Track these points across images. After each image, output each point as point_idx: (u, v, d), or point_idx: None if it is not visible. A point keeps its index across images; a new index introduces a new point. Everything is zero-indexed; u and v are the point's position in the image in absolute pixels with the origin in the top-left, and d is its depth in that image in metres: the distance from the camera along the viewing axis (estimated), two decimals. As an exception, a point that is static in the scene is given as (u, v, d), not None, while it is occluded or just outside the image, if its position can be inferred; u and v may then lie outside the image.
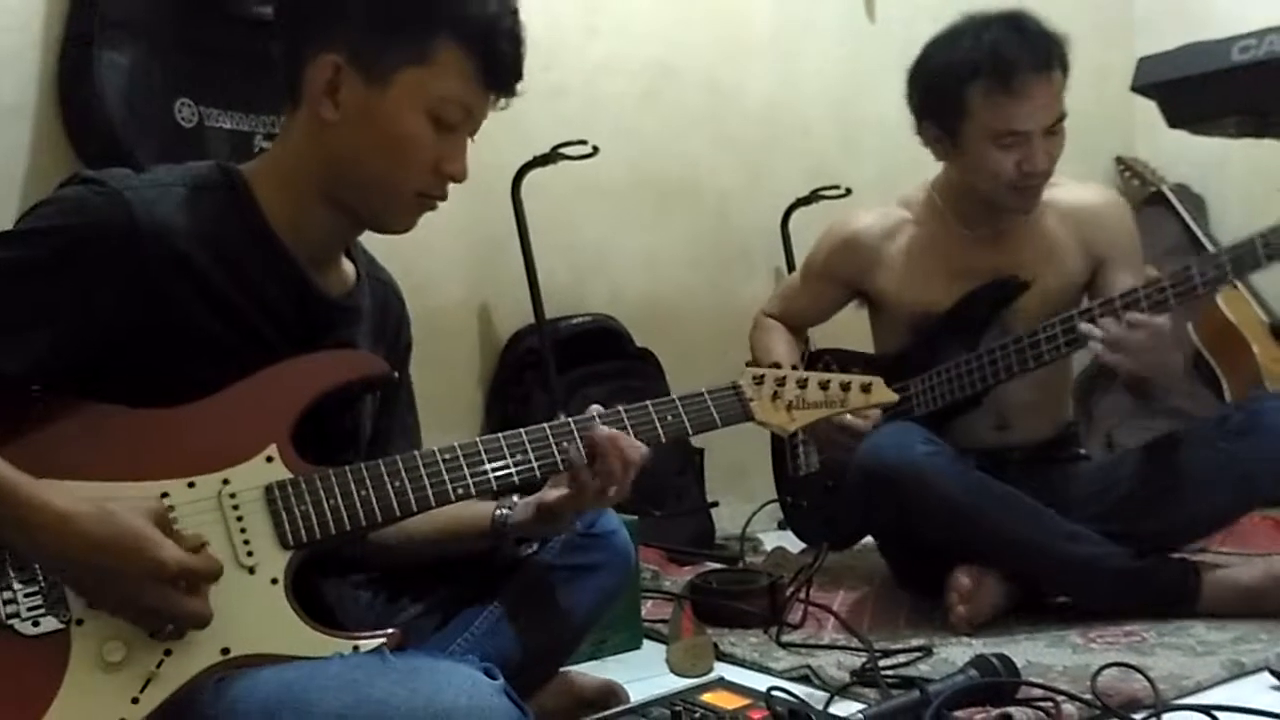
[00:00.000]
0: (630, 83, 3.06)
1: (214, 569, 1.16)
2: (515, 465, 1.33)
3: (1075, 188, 2.29)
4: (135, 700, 1.13)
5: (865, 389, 1.54)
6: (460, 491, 1.30)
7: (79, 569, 1.11)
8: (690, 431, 1.45)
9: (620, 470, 1.35)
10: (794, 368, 1.56)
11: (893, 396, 1.58)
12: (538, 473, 1.35)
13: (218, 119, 2.25)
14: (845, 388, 1.53)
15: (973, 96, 2.07)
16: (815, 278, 2.43)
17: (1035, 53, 2.05)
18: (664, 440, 1.42)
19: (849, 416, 1.97)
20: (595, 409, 1.40)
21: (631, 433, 1.39)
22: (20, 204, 2.13)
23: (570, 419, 1.37)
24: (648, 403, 1.42)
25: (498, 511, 1.47)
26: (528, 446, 1.34)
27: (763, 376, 1.50)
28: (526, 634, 1.48)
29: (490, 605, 1.47)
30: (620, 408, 1.40)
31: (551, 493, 1.41)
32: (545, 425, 1.36)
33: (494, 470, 1.32)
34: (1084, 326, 2.00)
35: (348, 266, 1.41)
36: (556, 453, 1.35)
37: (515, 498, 1.47)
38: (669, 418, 1.43)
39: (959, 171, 2.20)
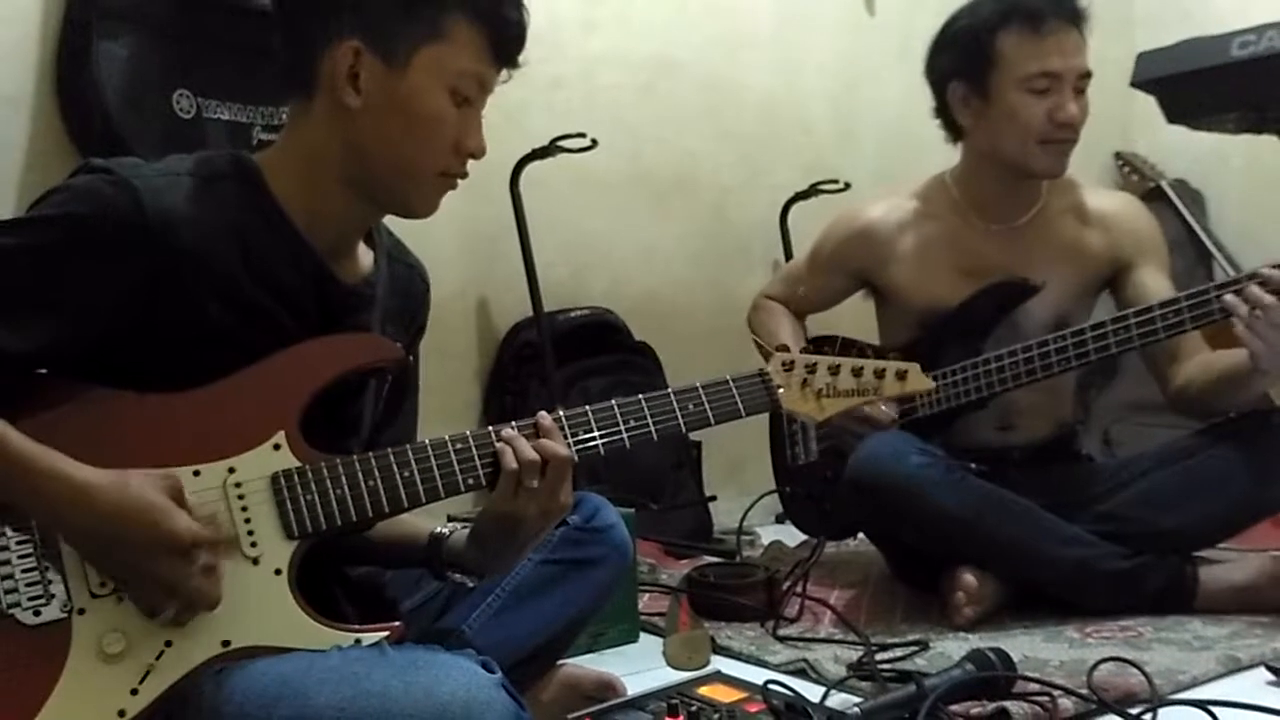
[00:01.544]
0: (629, 76, 3.06)
1: (226, 538, 1.17)
2: None
3: (1099, 192, 2.30)
4: (134, 691, 1.14)
5: (900, 376, 1.47)
6: (470, 482, 1.28)
7: (94, 539, 1.12)
8: (713, 421, 1.39)
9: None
10: (813, 350, 1.47)
11: (929, 384, 1.50)
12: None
13: (216, 110, 2.25)
14: (880, 374, 1.46)
15: (1003, 43, 2.10)
16: (824, 267, 2.39)
17: (1062, 4, 2.10)
18: (684, 430, 1.38)
19: (869, 408, 1.97)
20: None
21: (650, 422, 1.36)
22: (18, 194, 2.13)
23: (562, 411, 1.34)
24: (669, 390, 1.38)
25: (436, 529, 1.43)
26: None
27: (792, 363, 1.44)
28: (523, 627, 1.48)
29: (487, 599, 1.46)
30: (640, 396, 1.36)
31: (479, 515, 1.36)
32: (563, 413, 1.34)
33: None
34: (1229, 299, 1.90)
35: (364, 252, 1.40)
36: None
37: (454, 526, 1.43)
38: (690, 407, 1.38)
39: (986, 137, 2.17)
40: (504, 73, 1.33)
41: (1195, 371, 2.11)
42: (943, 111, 2.23)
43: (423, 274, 1.51)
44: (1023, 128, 2.10)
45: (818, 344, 2.36)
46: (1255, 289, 1.88)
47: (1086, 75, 2.11)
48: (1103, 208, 2.25)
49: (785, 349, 1.47)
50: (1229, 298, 1.90)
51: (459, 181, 1.34)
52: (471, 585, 1.44)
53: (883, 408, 2.02)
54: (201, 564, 1.14)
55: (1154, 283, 2.18)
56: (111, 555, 1.13)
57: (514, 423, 1.31)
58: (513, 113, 2.63)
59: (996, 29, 2.10)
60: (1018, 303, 2.17)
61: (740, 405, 1.42)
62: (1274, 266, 1.91)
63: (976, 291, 2.18)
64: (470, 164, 1.34)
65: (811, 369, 1.44)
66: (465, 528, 1.41)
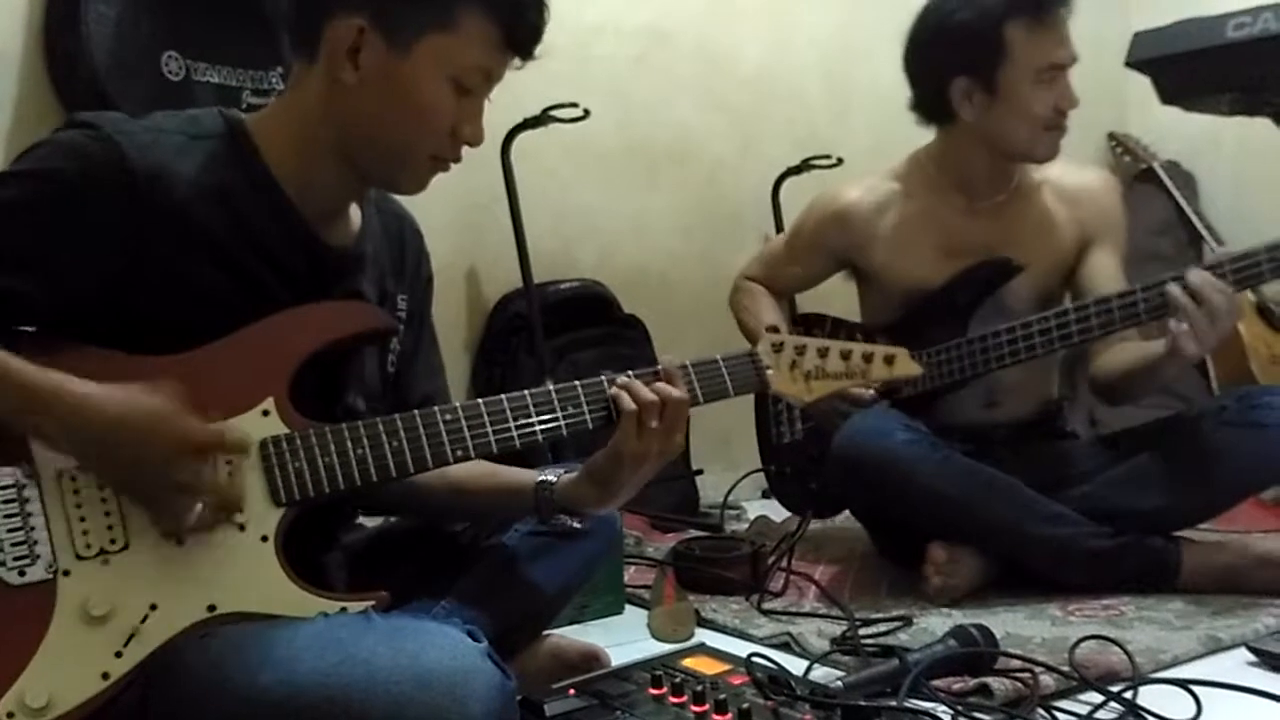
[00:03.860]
0: (623, 47, 3.04)
1: (241, 441, 1.17)
2: (517, 429, 1.32)
3: (1072, 167, 2.28)
4: (118, 654, 1.14)
5: (888, 361, 1.49)
6: (459, 454, 1.29)
7: (105, 448, 1.12)
8: (701, 400, 1.41)
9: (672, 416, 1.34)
10: (803, 329, 1.50)
11: (917, 370, 1.52)
12: (540, 436, 1.33)
13: (205, 73, 2.23)
14: (868, 359, 1.48)
15: (1013, 35, 2.06)
16: (803, 249, 2.38)
17: None
18: None
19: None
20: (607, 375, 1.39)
21: None
22: (5, 154, 2.11)
23: (578, 382, 1.36)
24: (659, 369, 1.39)
25: (541, 477, 1.45)
26: (531, 409, 1.33)
27: (782, 344, 1.45)
28: (510, 597, 1.48)
29: (441, 601, 1.44)
30: (629, 373, 1.37)
31: (599, 455, 1.39)
32: (550, 388, 1.35)
33: (495, 432, 1.31)
34: (1171, 289, 1.91)
35: (353, 210, 1.39)
36: (581, 406, 1.34)
37: (557, 473, 1.45)
38: None
39: (992, 127, 2.13)
40: (518, 61, 1.31)
41: (1113, 357, 2.13)
42: (930, 103, 2.19)
43: (412, 223, 1.51)
44: (1032, 118, 2.08)
45: (808, 322, 2.40)
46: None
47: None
48: (1075, 184, 2.25)
49: (775, 330, 1.48)
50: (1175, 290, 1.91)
51: (459, 158, 1.33)
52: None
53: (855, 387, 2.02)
54: (216, 464, 1.13)
55: (1107, 265, 2.18)
56: (121, 463, 1.12)
57: (629, 372, 1.37)
58: (504, 81, 2.60)
59: (1003, 21, 2.05)
60: (1000, 283, 2.17)
61: (729, 384, 1.44)
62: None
63: (959, 272, 2.18)
64: None
65: (801, 351, 1.46)
66: (569, 473, 1.43)
